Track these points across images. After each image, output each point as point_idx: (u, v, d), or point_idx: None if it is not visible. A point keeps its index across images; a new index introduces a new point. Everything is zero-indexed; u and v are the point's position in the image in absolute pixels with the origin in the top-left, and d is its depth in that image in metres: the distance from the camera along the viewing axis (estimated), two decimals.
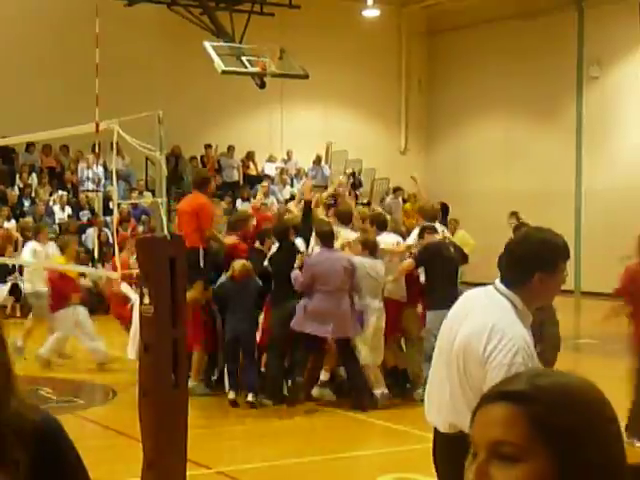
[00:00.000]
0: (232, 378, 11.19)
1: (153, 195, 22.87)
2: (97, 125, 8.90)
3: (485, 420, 1.50)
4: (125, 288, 11.95)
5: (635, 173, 24.38)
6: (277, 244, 11.65)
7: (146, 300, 8.56)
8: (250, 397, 10.94)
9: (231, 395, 11.05)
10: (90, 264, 18.98)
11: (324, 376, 11.26)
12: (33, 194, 23.34)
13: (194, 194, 12.06)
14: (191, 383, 10.24)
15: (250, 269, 11.01)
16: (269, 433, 10.21)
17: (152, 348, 8.64)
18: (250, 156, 26.75)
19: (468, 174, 28.16)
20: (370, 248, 11.22)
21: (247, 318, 11.03)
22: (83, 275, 20.41)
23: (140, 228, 22.97)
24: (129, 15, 23.96)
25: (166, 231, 7.99)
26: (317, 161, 26.90)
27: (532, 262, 3.97)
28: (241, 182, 26.33)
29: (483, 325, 3.90)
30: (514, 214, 18.17)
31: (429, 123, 30.40)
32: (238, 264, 10.97)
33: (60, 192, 23.54)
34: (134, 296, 10.60)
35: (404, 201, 24.75)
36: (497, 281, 4.09)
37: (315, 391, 11.22)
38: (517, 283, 4.00)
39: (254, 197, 24.84)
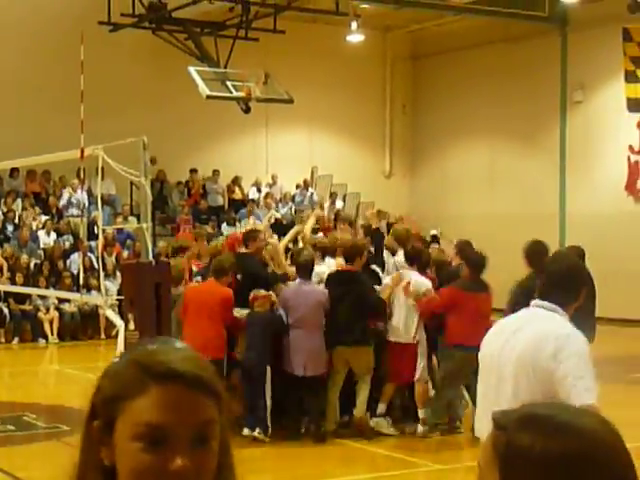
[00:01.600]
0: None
1: (138, 220, 22.83)
2: (82, 151, 8.90)
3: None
4: (110, 314, 11.91)
5: (618, 196, 24.50)
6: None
7: (131, 326, 8.58)
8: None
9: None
10: (75, 289, 18.92)
11: (381, 408, 11.03)
12: (17, 220, 23.28)
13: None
14: None
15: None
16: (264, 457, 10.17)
17: None
18: (236, 181, 26.77)
19: (452, 197, 28.24)
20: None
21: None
22: (67, 300, 20.39)
23: (125, 253, 22.92)
24: (113, 40, 23.98)
25: (151, 257, 7.99)
26: (304, 186, 26.92)
27: (579, 279, 4.53)
28: (226, 206, 26.34)
29: (547, 332, 4.24)
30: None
31: (414, 147, 30.49)
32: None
33: (43, 217, 23.48)
34: (119, 322, 10.56)
35: (389, 225, 24.73)
36: (538, 302, 4.40)
37: (374, 422, 10.98)
38: (568, 300, 4.41)
39: (239, 221, 24.90)
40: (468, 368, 9.47)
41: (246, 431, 10.26)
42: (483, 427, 4.36)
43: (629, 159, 24.59)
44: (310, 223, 13.86)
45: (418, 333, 10.97)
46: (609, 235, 23.48)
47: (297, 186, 27.05)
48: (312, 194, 26.79)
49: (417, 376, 10.95)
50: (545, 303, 4.38)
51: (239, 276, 10.82)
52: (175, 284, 10.20)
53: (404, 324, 10.95)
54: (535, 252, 9.05)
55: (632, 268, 23.24)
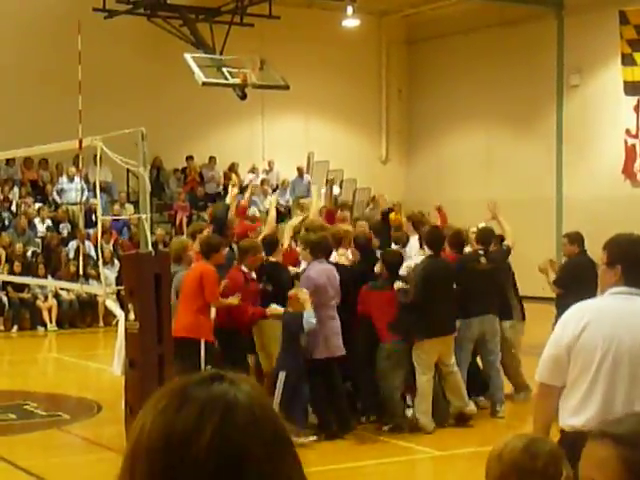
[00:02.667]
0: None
1: (134, 207, 22.83)
2: (80, 142, 8.89)
3: (585, 456, 1.53)
4: (110, 304, 11.91)
5: (615, 180, 24.50)
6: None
7: (131, 316, 8.58)
8: None
9: None
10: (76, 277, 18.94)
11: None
12: (14, 207, 23.27)
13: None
14: None
15: None
16: None
17: (138, 364, 8.65)
18: (232, 167, 26.75)
19: (449, 182, 28.22)
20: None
21: None
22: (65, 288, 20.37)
23: (121, 240, 22.93)
24: (109, 27, 23.90)
25: (150, 247, 8.00)
26: (299, 174, 26.88)
27: None
28: (222, 193, 26.32)
29: None
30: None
31: (410, 132, 30.47)
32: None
33: (38, 205, 23.46)
34: (119, 312, 10.54)
35: (390, 210, 24.65)
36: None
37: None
38: None
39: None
40: None
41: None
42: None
43: (626, 142, 24.57)
44: (315, 208, 13.47)
45: None
46: (606, 219, 23.45)
47: (298, 170, 26.85)
48: (309, 182, 26.76)
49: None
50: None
51: (269, 287, 10.70)
52: (174, 261, 10.09)
53: None
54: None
55: None
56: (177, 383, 1.45)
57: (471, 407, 11.01)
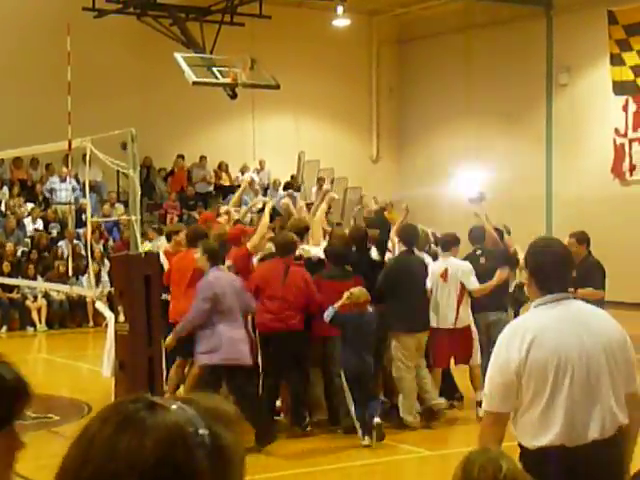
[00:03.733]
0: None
1: (124, 206, 22.81)
2: (70, 143, 8.88)
3: None
4: (100, 306, 11.90)
5: (604, 179, 24.57)
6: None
7: (121, 318, 8.56)
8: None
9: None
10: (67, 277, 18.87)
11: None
12: (3, 207, 23.20)
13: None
14: None
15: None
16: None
17: (128, 366, 8.65)
18: (222, 167, 26.74)
19: (439, 181, 28.25)
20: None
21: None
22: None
23: (111, 241, 22.91)
24: (98, 27, 23.87)
25: (140, 249, 8.00)
26: (293, 179, 27.06)
27: None
28: (213, 192, 26.33)
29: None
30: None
31: (400, 131, 30.50)
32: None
33: (28, 205, 23.40)
34: (109, 314, 10.54)
35: (383, 209, 24.63)
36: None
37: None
38: None
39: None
40: None
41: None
42: (575, 433, 4.40)
43: (615, 142, 24.63)
44: (323, 209, 13.01)
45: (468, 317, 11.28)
46: (595, 218, 23.53)
47: (289, 181, 27.02)
48: (300, 186, 26.86)
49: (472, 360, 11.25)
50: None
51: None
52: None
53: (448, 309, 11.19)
54: None
55: (617, 251, 23.32)
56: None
57: (438, 401, 11.06)
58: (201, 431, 1.48)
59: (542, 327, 4.44)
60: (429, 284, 11.11)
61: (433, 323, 11.12)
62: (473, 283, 11.14)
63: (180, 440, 1.46)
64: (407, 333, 10.73)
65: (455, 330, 11.17)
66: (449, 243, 11.46)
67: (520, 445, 4.57)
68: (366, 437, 10.00)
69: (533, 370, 4.36)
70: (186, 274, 9.90)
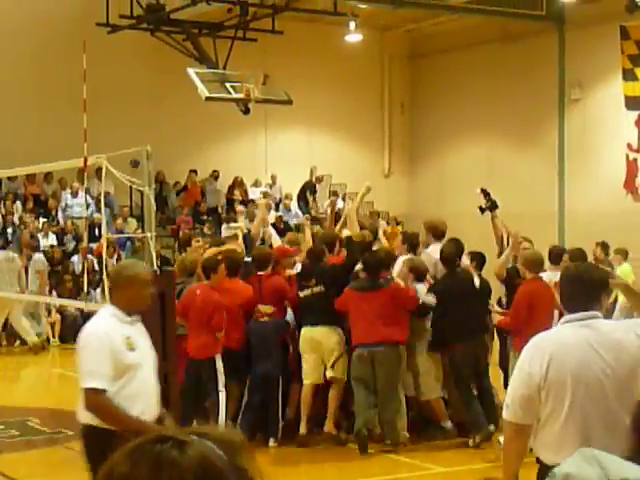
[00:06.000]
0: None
1: (137, 221, 22.87)
2: (85, 160, 8.95)
3: None
4: None
5: (617, 194, 24.53)
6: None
7: None
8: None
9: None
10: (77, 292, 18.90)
11: None
12: (17, 222, 23.28)
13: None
14: None
15: None
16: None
17: None
18: (237, 183, 26.79)
19: (451, 196, 28.26)
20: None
21: None
22: None
23: (124, 255, 22.93)
24: (112, 42, 23.99)
25: (155, 266, 8.03)
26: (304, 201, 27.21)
27: None
28: (225, 207, 26.39)
29: None
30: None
31: (412, 146, 30.52)
32: None
33: (42, 219, 23.47)
34: None
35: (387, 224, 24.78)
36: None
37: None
38: None
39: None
40: None
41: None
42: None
43: (627, 157, 24.61)
44: (357, 201, 13.02)
45: None
46: (608, 233, 23.47)
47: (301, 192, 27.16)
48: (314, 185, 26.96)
49: None
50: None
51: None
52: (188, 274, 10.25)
53: None
54: None
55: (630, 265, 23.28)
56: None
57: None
58: (225, 458, 1.58)
59: (564, 344, 4.52)
60: None
61: None
62: None
63: (214, 469, 1.54)
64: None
65: None
66: (558, 257, 11.44)
67: (538, 460, 4.60)
68: None
69: (552, 386, 4.44)
70: (202, 314, 10.05)
